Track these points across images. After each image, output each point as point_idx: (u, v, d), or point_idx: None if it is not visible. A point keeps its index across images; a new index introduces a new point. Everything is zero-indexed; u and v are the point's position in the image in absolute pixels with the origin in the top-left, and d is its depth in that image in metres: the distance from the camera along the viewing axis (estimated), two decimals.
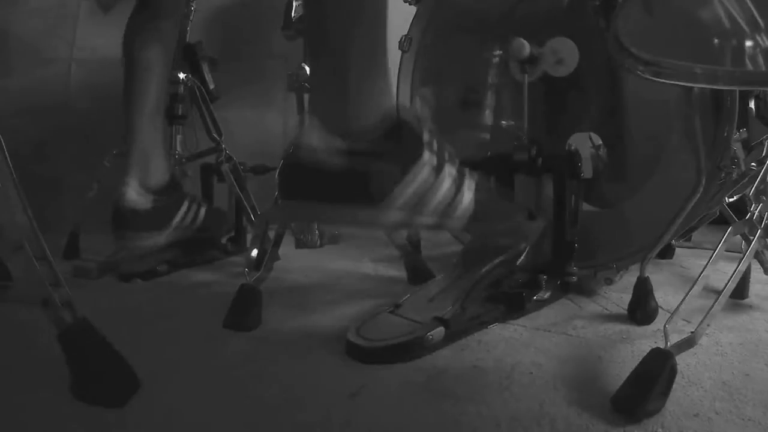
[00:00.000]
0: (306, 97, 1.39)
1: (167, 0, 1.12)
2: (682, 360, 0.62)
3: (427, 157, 0.67)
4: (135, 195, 1.05)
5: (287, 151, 0.67)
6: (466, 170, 0.72)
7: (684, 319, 0.71)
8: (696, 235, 1.31)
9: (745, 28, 0.66)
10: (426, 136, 0.68)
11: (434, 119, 1.20)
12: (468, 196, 0.70)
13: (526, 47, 0.92)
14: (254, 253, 0.93)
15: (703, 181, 0.82)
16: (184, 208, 1.15)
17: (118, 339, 0.60)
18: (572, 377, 0.64)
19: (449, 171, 0.69)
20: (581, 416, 0.55)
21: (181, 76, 1.31)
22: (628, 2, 0.74)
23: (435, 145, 0.69)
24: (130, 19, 1.10)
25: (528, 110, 0.95)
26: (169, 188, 1.12)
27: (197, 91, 1.32)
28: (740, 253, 0.73)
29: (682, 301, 0.62)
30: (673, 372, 0.57)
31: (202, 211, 1.21)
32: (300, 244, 1.43)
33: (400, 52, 1.19)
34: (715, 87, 0.78)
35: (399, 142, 0.66)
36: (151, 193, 1.07)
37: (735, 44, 0.67)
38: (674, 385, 0.57)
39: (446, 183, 0.68)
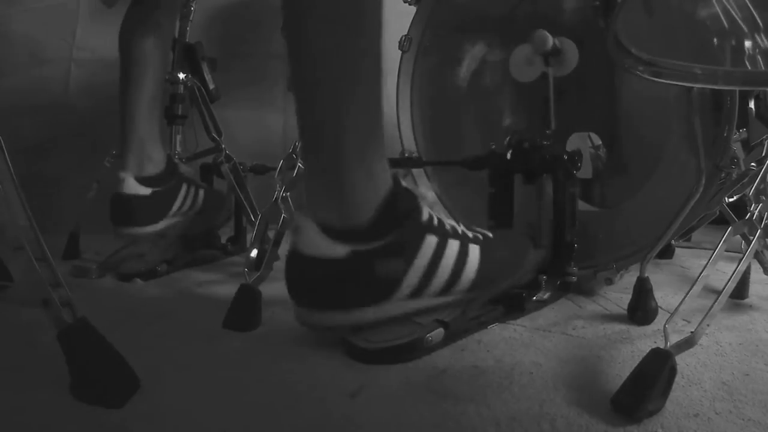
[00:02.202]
0: None
1: None
2: (682, 360, 0.62)
3: (430, 239, 0.67)
4: (133, 186, 1.05)
5: (288, 253, 0.67)
6: (468, 233, 0.72)
7: (684, 319, 0.71)
8: (696, 235, 1.31)
9: (745, 28, 0.66)
10: (426, 216, 0.68)
11: (435, 119, 1.20)
12: (474, 261, 0.71)
13: (549, 39, 0.91)
14: (254, 253, 0.93)
15: (703, 181, 0.82)
16: (182, 193, 1.15)
17: (118, 339, 0.60)
18: (572, 377, 0.64)
19: (452, 245, 0.69)
20: (581, 416, 0.55)
21: (181, 76, 1.31)
22: (628, 2, 0.74)
23: (435, 222, 0.69)
24: (127, 12, 1.10)
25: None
26: (166, 175, 1.12)
27: (197, 91, 1.32)
28: (740, 253, 0.72)
29: (682, 301, 0.62)
30: (673, 372, 0.57)
31: (201, 193, 1.21)
32: None
33: (400, 52, 1.19)
34: (715, 87, 0.78)
35: (401, 230, 0.66)
36: (148, 182, 1.07)
37: (735, 44, 0.67)
38: (674, 385, 0.57)
39: (451, 259, 0.69)
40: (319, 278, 0.66)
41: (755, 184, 0.75)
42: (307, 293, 0.68)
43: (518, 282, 0.81)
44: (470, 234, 0.73)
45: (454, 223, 0.73)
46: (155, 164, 1.11)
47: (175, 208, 1.14)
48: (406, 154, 1.19)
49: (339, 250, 0.64)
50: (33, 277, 0.57)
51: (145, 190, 1.07)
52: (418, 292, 0.68)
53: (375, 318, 0.67)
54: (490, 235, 0.77)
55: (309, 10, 0.61)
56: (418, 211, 0.68)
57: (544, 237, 0.89)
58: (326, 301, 0.67)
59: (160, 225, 1.11)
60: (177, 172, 1.16)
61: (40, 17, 1.63)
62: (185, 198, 1.16)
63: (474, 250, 0.72)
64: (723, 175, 0.84)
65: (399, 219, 0.66)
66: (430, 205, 0.71)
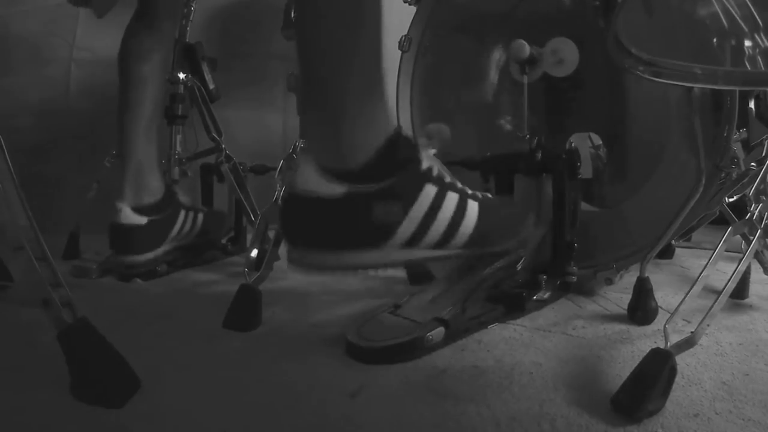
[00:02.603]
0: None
1: (166, 3, 1.12)
2: (682, 360, 0.62)
3: (428, 188, 0.66)
4: (129, 216, 1.06)
5: (285, 193, 0.67)
6: (467, 189, 0.71)
7: (684, 319, 0.71)
8: (696, 235, 1.31)
9: (745, 27, 0.66)
10: (426, 165, 0.67)
11: (434, 119, 1.20)
12: (472, 216, 0.70)
13: (525, 48, 0.92)
14: (254, 253, 0.93)
15: (703, 181, 0.82)
16: (180, 220, 1.16)
17: (118, 339, 0.60)
18: (572, 377, 0.64)
19: (450, 197, 0.68)
20: (581, 416, 0.55)
21: (181, 76, 1.31)
22: (628, 2, 0.74)
23: (435, 172, 0.68)
24: (127, 28, 1.10)
25: (528, 110, 0.95)
26: (164, 203, 1.13)
27: (197, 91, 1.33)
28: (740, 253, 0.73)
29: (682, 301, 0.62)
30: (673, 372, 0.57)
31: (200, 217, 1.22)
32: None
33: (400, 52, 1.19)
34: (715, 87, 0.78)
35: (399, 175, 0.65)
36: (145, 211, 1.08)
37: (734, 44, 0.67)
38: (674, 385, 0.57)
39: (448, 212, 0.68)
40: (313, 217, 0.65)
41: (755, 184, 0.75)
42: (301, 232, 0.66)
43: (516, 247, 0.79)
44: (470, 191, 0.72)
45: (455, 180, 0.72)
46: (152, 193, 1.11)
47: (173, 233, 1.15)
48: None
49: (335, 188, 0.63)
50: (33, 277, 0.57)
51: (141, 220, 1.07)
52: (413, 241, 0.67)
53: (367, 262, 0.66)
54: (490, 196, 0.75)
55: None
56: (417, 159, 0.67)
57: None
58: (320, 240, 0.65)
59: (159, 251, 1.12)
60: (174, 200, 1.17)
61: (41, 17, 1.63)
62: (183, 223, 1.17)
63: (473, 206, 0.70)
64: (723, 175, 0.84)
65: (398, 164, 0.65)
66: (433, 159, 0.69)
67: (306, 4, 0.64)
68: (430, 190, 0.66)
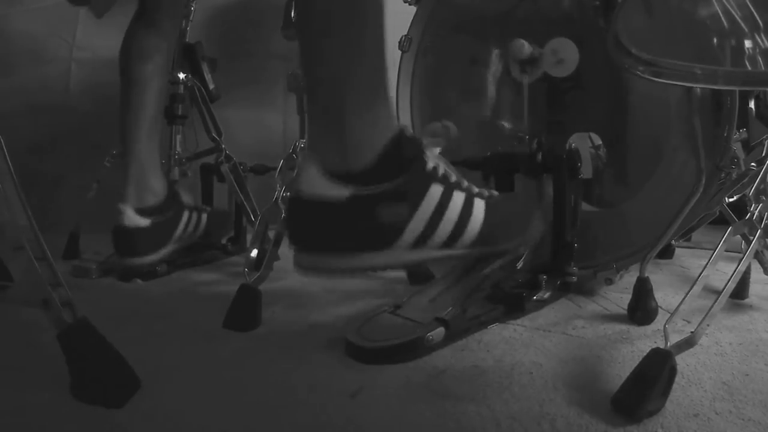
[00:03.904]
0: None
1: (166, 3, 1.11)
2: (682, 360, 0.62)
3: (434, 188, 0.66)
4: (133, 219, 1.05)
5: (290, 197, 0.66)
6: (473, 188, 0.71)
7: (684, 319, 0.71)
8: (696, 235, 1.31)
9: (745, 27, 0.66)
10: (431, 165, 0.67)
11: (435, 119, 1.20)
12: (479, 215, 0.69)
13: (525, 47, 0.92)
14: (254, 253, 0.93)
15: (703, 181, 0.82)
16: (184, 220, 1.16)
17: (118, 339, 0.60)
18: (572, 377, 0.64)
19: (457, 196, 0.68)
20: (581, 416, 0.55)
21: (181, 76, 1.31)
22: (628, 2, 0.74)
23: (441, 171, 0.67)
24: (128, 28, 1.10)
25: (529, 110, 0.95)
26: (167, 204, 1.12)
27: (197, 91, 1.33)
28: (740, 253, 0.72)
29: (682, 301, 0.62)
30: (673, 372, 0.57)
31: (204, 217, 1.22)
32: None
33: (400, 52, 1.19)
34: (715, 87, 0.78)
35: (405, 176, 0.64)
36: (148, 212, 1.08)
37: (735, 44, 0.67)
38: (674, 385, 0.57)
39: (455, 211, 0.67)
40: (319, 220, 0.64)
41: (755, 184, 0.75)
42: (307, 236, 0.66)
43: (521, 245, 0.78)
44: (476, 189, 0.72)
45: (461, 178, 0.71)
46: (155, 194, 1.11)
47: (176, 235, 1.15)
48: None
49: (340, 192, 0.62)
50: (33, 277, 0.57)
51: (144, 221, 1.07)
52: (420, 241, 0.66)
53: (375, 264, 0.66)
54: (497, 194, 0.75)
55: None
56: (423, 159, 0.66)
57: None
58: (325, 244, 0.65)
59: (163, 252, 1.11)
60: (178, 201, 1.16)
61: (41, 17, 1.63)
62: (187, 225, 1.17)
63: (479, 205, 0.70)
64: (723, 175, 0.84)
65: (403, 165, 0.65)
66: (438, 158, 0.69)
67: (308, 3, 0.63)
68: (436, 190, 0.66)
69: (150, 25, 1.10)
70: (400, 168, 0.64)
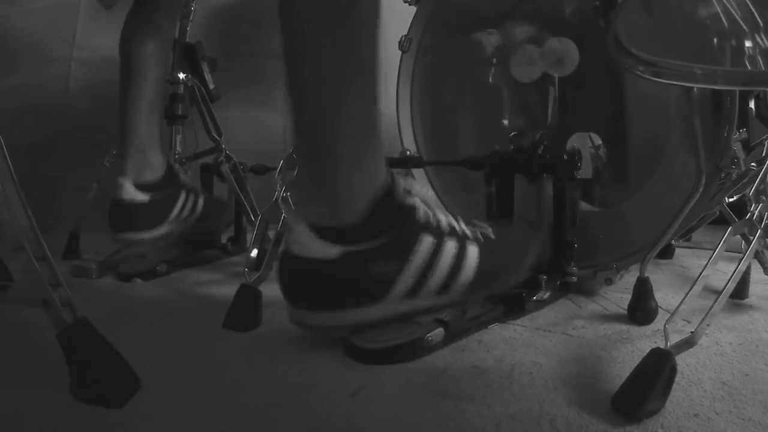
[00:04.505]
0: None
1: None
2: (682, 360, 0.62)
3: (425, 239, 0.66)
4: (131, 192, 1.05)
5: (281, 253, 0.67)
6: (466, 231, 0.71)
7: (684, 319, 0.71)
8: (696, 235, 1.31)
9: (745, 27, 0.66)
10: (421, 214, 0.66)
11: (435, 119, 1.20)
12: (472, 261, 0.70)
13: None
14: (254, 253, 0.93)
15: (703, 181, 0.82)
16: (181, 200, 1.15)
17: (118, 339, 0.60)
18: (572, 377, 0.64)
19: (449, 246, 0.68)
20: (581, 416, 0.55)
21: (181, 76, 1.31)
22: (628, 2, 0.74)
23: (432, 220, 0.67)
24: (128, 15, 1.11)
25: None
26: (165, 181, 1.12)
27: (197, 91, 1.32)
28: (740, 253, 0.72)
29: (682, 301, 0.62)
30: (673, 372, 0.57)
31: (201, 201, 1.21)
32: None
33: (400, 52, 1.19)
34: (715, 87, 0.78)
35: (394, 231, 0.64)
36: (147, 188, 1.07)
37: (735, 44, 0.67)
38: (674, 385, 0.57)
39: (447, 261, 0.68)
40: (311, 279, 0.65)
41: (755, 184, 0.75)
42: (300, 294, 0.67)
43: (518, 280, 0.80)
44: (469, 233, 0.72)
45: (452, 220, 0.71)
46: (154, 170, 1.11)
47: (173, 214, 1.14)
48: (408, 152, 1.19)
49: (330, 250, 0.63)
50: (33, 277, 0.57)
51: (143, 197, 1.07)
52: (413, 292, 0.67)
53: (369, 318, 0.67)
54: (491, 231, 0.75)
55: (304, 11, 0.61)
56: (413, 210, 0.66)
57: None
58: (319, 301, 0.66)
59: (158, 231, 1.11)
60: (176, 179, 1.16)
61: (41, 17, 1.63)
62: (184, 205, 1.16)
63: (473, 250, 0.70)
64: (723, 175, 0.84)
65: (393, 218, 0.65)
66: (428, 204, 0.69)
67: (294, 43, 0.62)
68: (427, 241, 0.66)
69: (152, 7, 1.10)
70: (389, 221, 0.64)
